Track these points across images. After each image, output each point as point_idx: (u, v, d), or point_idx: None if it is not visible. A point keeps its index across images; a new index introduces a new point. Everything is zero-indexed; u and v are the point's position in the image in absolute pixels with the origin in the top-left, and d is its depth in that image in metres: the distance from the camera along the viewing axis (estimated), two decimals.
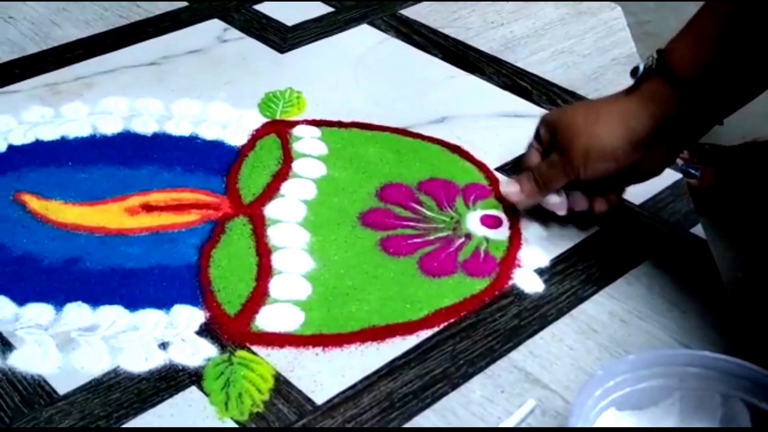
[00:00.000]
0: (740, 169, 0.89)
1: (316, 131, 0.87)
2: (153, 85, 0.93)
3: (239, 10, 1.07)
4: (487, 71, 0.97)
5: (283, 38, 1.02)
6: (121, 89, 0.92)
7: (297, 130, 0.87)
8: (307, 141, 0.86)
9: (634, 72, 0.70)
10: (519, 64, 0.99)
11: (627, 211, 0.79)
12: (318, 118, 0.89)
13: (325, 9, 1.08)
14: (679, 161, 0.89)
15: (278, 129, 0.87)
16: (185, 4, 1.08)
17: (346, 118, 0.89)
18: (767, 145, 0.92)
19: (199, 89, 0.92)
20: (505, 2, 1.11)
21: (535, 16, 1.08)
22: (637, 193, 0.81)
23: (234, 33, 1.03)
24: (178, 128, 0.87)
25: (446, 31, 1.04)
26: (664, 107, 0.67)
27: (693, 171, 0.87)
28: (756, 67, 0.64)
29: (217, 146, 0.85)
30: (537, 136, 0.76)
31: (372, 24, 1.05)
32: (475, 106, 0.91)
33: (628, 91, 0.70)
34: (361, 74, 0.97)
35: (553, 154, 0.74)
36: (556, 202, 0.75)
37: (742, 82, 0.65)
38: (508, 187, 0.77)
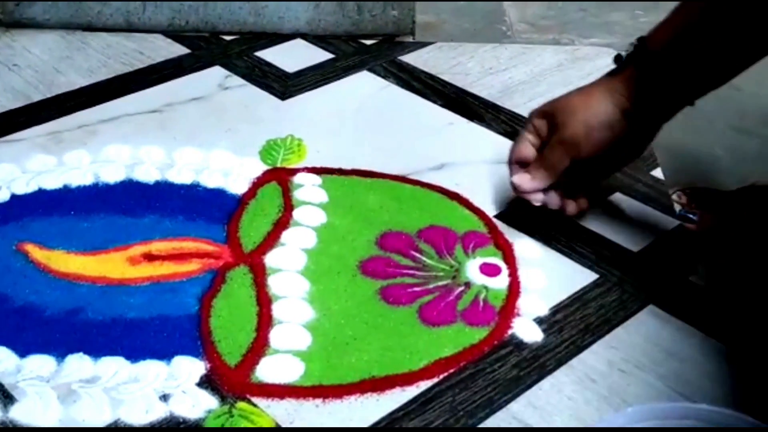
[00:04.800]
0: (738, 214, 0.90)
1: (316, 179, 0.88)
2: (155, 132, 0.94)
3: (241, 57, 1.09)
4: (486, 118, 0.98)
5: (284, 85, 1.03)
6: (123, 137, 0.93)
7: (298, 178, 0.88)
8: (308, 189, 0.87)
9: (617, 59, 0.77)
10: (517, 110, 1.00)
11: (625, 258, 0.80)
12: (318, 165, 0.90)
13: (325, 56, 1.09)
14: (677, 207, 0.90)
15: (279, 177, 0.88)
16: (187, 51, 1.09)
17: (347, 166, 0.90)
18: (766, 189, 0.92)
19: (201, 137, 0.93)
20: (504, 48, 1.12)
21: (533, 62, 1.10)
22: (634, 240, 0.81)
23: (235, 80, 1.04)
24: (180, 176, 0.87)
25: (445, 77, 1.05)
26: (640, 84, 0.75)
27: (691, 216, 0.87)
28: (717, 54, 0.72)
29: (219, 194, 0.86)
30: (531, 129, 0.81)
31: (372, 71, 1.07)
32: (474, 153, 0.92)
33: (612, 74, 0.78)
34: (361, 121, 0.98)
35: (553, 138, 0.79)
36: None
37: (704, 66, 0.73)
38: (519, 177, 0.80)
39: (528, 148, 0.81)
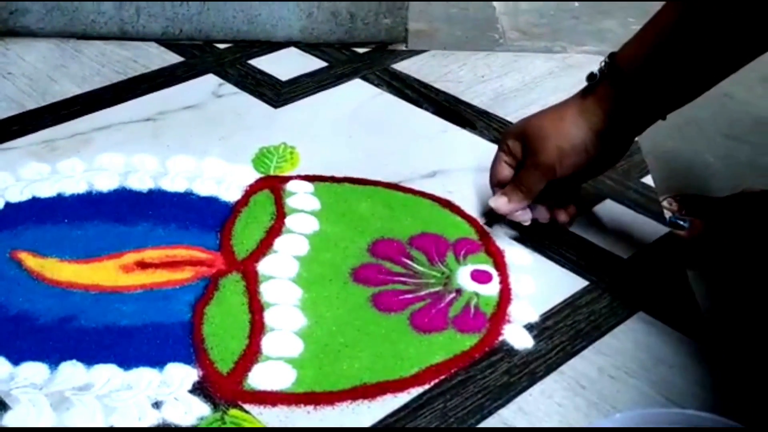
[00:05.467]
0: (729, 220, 0.90)
1: (309, 186, 0.89)
2: (149, 141, 0.95)
3: (234, 65, 1.09)
4: (478, 125, 0.99)
5: (278, 93, 1.04)
6: (117, 145, 0.93)
7: (290, 186, 0.88)
8: (300, 196, 0.87)
9: (590, 77, 0.77)
10: (509, 118, 1.00)
11: (615, 264, 0.80)
12: (311, 173, 0.91)
13: (318, 64, 1.10)
14: (668, 213, 0.90)
15: (272, 184, 0.89)
16: (181, 59, 1.10)
17: (339, 173, 0.90)
18: (757, 196, 0.92)
19: (195, 145, 0.94)
20: (496, 56, 1.13)
21: (525, 69, 1.10)
22: (625, 247, 0.82)
23: (229, 88, 1.04)
24: (174, 184, 0.88)
25: (438, 85, 1.06)
26: (614, 104, 0.75)
27: (681, 222, 0.88)
28: (688, 71, 0.72)
29: (212, 202, 0.86)
30: (506, 150, 0.81)
31: (365, 79, 1.07)
32: (466, 161, 0.93)
33: (585, 93, 0.77)
34: (354, 129, 0.98)
35: (528, 161, 0.79)
36: (521, 213, 0.81)
37: (676, 82, 0.73)
38: (497, 200, 0.81)
39: (504, 171, 0.82)
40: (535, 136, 0.78)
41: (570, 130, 0.76)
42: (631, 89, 0.73)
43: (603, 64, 0.76)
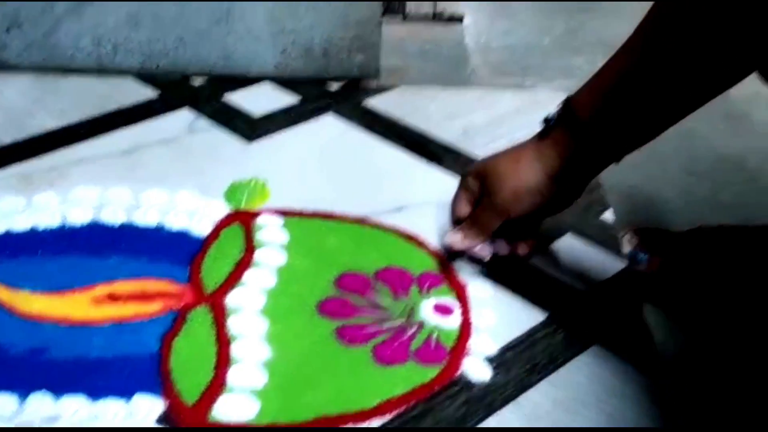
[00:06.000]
0: (686, 255, 0.93)
1: (278, 220, 0.91)
2: (123, 174, 0.96)
3: (209, 100, 1.12)
4: (445, 160, 1.02)
5: (251, 128, 1.06)
6: (92, 179, 0.95)
7: (260, 219, 0.91)
8: (270, 230, 0.89)
9: (546, 121, 0.80)
10: (477, 152, 1.03)
11: (573, 298, 0.83)
12: (281, 207, 0.93)
13: (292, 99, 1.13)
14: (627, 247, 0.93)
15: (242, 218, 0.91)
16: (157, 93, 1.12)
17: (309, 207, 0.93)
18: (713, 231, 0.95)
19: (168, 179, 0.96)
20: (465, 93, 1.16)
21: (493, 106, 1.13)
22: (584, 280, 0.85)
23: (203, 123, 1.07)
24: (146, 218, 0.90)
25: (407, 120, 1.09)
26: (569, 149, 0.77)
27: (640, 257, 0.90)
28: (642, 117, 0.74)
29: (183, 236, 0.88)
30: (465, 187, 0.84)
31: (337, 113, 1.10)
32: (432, 195, 0.95)
33: (541, 137, 0.80)
34: (325, 164, 1.01)
35: (485, 200, 0.82)
36: (480, 248, 0.84)
37: (630, 129, 0.75)
38: (452, 237, 0.84)
39: (463, 208, 0.84)
40: (492, 177, 0.81)
41: (526, 172, 0.79)
42: (585, 134, 0.76)
43: (558, 108, 0.78)
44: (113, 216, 0.90)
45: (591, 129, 0.76)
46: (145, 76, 1.16)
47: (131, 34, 1.15)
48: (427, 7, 1.42)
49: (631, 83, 0.73)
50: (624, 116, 0.75)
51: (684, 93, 0.71)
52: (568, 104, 0.78)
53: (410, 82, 1.21)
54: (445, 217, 0.92)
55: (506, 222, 0.82)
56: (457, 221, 0.86)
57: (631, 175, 1.06)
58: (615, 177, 1.01)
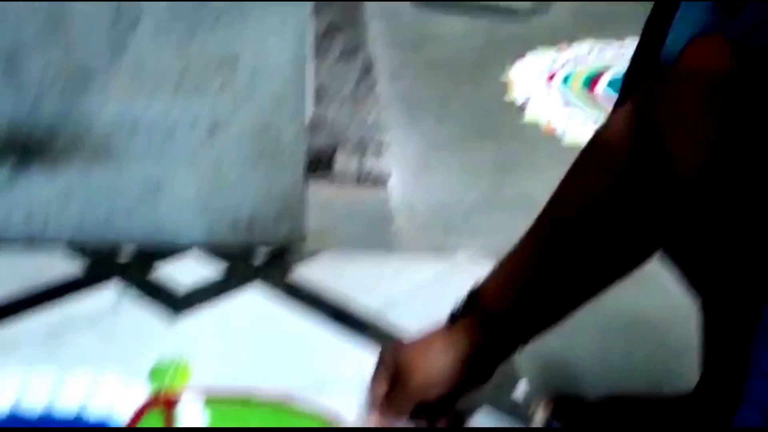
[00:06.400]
0: (599, 426, 0.96)
1: (199, 402, 0.92)
2: (47, 358, 0.97)
3: (137, 272, 1.14)
4: (367, 333, 1.05)
5: (177, 303, 1.09)
6: (15, 362, 0.96)
7: (181, 402, 0.92)
8: (190, 412, 0.91)
9: (452, 314, 0.84)
10: (399, 322, 1.06)
11: None
12: (204, 386, 0.94)
13: (218, 270, 1.16)
14: (541, 415, 0.96)
15: (163, 401, 0.92)
16: (86, 265, 1.15)
17: (232, 384, 0.94)
18: (628, 400, 0.99)
19: (92, 359, 0.97)
20: (386, 260, 1.20)
21: (414, 274, 1.17)
22: None
23: (130, 298, 1.09)
24: (68, 404, 0.91)
25: (331, 291, 1.12)
26: (478, 336, 0.81)
27: (554, 426, 0.93)
28: (548, 306, 0.79)
29: (104, 422, 0.89)
30: (384, 365, 0.87)
31: (263, 283, 1.13)
32: (354, 370, 0.97)
33: (450, 325, 0.84)
34: (248, 339, 1.03)
35: (397, 386, 0.85)
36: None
37: (539, 316, 0.80)
38: (369, 419, 0.87)
39: (380, 387, 0.87)
40: (404, 364, 0.84)
41: (437, 359, 0.82)
42: (493, 324, 0.80)
43: (464, 300, 0.82)
44: (34, 404, 0.90)
45: (499, 319, 0.80)
46: (75, 248, 1.18)
47: (62, 209, 1.18)
48: (354, 163, 1.47)
49: (533, 273, 0.78)
50: (528, 304, 0.79)
51: (588, 281, 0.76)
52: (475, 296, 0.82)
53: (337, 244, 1.25)
54: (364, 393, 0.94)
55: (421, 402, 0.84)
56: (374, 401, 0.88)
57: (544, 338, 1.09)
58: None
